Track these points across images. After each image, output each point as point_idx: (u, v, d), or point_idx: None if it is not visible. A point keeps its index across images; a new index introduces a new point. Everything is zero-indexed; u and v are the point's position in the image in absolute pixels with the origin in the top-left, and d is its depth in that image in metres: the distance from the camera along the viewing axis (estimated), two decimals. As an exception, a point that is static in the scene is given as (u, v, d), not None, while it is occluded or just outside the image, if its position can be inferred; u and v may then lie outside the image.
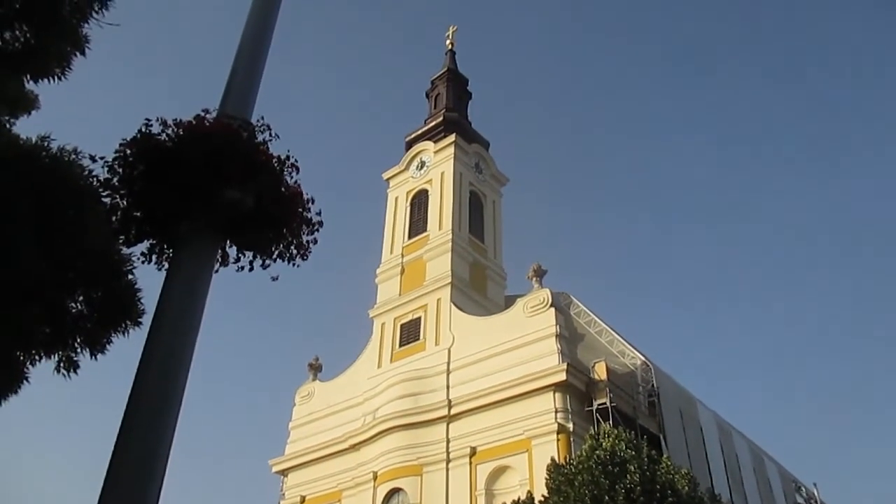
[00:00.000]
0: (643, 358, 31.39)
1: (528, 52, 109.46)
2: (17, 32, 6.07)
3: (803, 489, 41.39)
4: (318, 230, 5.35)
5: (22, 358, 6.50)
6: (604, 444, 19.71)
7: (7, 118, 6.83)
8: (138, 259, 5.22)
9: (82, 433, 76.83)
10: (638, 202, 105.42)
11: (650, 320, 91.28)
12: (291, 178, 5.11)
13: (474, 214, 37.29)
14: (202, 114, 5.00)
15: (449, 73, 44.57)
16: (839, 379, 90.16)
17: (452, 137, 38.21)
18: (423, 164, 39.17)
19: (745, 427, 44.77)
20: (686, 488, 19.28)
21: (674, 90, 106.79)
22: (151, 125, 4.91)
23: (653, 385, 29.92)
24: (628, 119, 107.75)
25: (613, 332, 33.80)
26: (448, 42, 46.88)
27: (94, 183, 5.73)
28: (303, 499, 33.22)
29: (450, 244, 34.06)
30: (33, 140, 6.50)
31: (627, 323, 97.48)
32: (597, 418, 25.63)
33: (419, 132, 41.85)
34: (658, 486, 18.62)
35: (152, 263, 5.11)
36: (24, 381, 6.66)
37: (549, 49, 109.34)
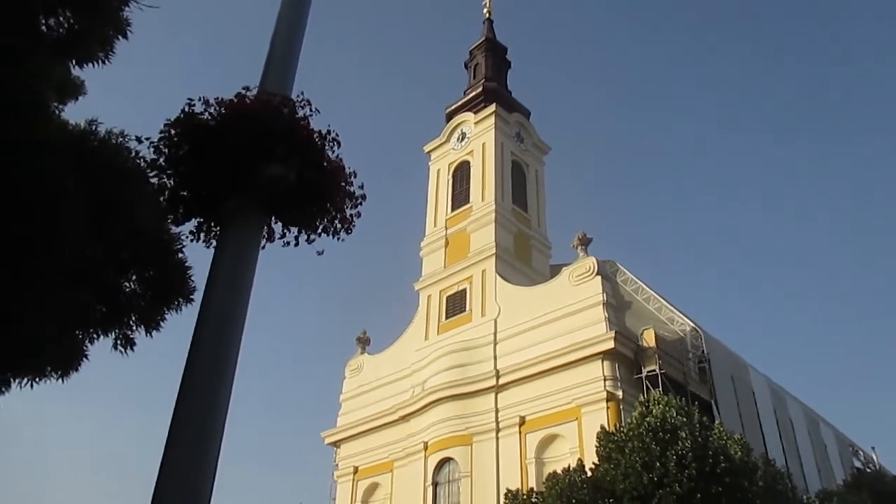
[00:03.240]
0: (692, 324, 31.03)
1: (566, 18, 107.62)
2: (61, 18, 6.18)
3: (861, 453, 40.69)
4: (361, 203, 5.35)
5: (81, 336, 6.71)
6: (654, 411, 19.63)
7: (56, 104, 6.96)
8: (187, 237, 5.30)
9: (137, 408, 79.34)
10: (682, 167, 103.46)
11: (699, 286, 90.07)
12: (333, 152, 5.11)
13: (517, 184, 37.08)
14: (243, 91, 5.02)
15: (487, 42, 44.12)
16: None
17: (492, 108, 37.91)
18: (463, 135, 38.97)
19: (800, 391, 44.05)
20: (739, 454, 19.11)
21: (722, 60, 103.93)
22: (194, 105, 4.95)
23: (703, 351, 29.62)
24: (671, 86, 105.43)
25: (661, 299, 33.43)
26: (485, 11, 46.32)
27: (142, 164, 5.83)
28: (356, 469, 33.89)
29: (493, 215, 33.98)
30: (82, 125, 6.63)
31: (675, 289, 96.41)
32: (646, 386, 25.52)
33: (459, 104, 41.64)
34: (710, 452, 18.49)
35: (201, 241, 5.19)
36: (84, 359, 6.88)
37: (589, 14, 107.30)
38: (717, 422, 21.37)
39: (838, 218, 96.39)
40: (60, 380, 6.89)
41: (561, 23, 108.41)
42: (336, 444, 35.51)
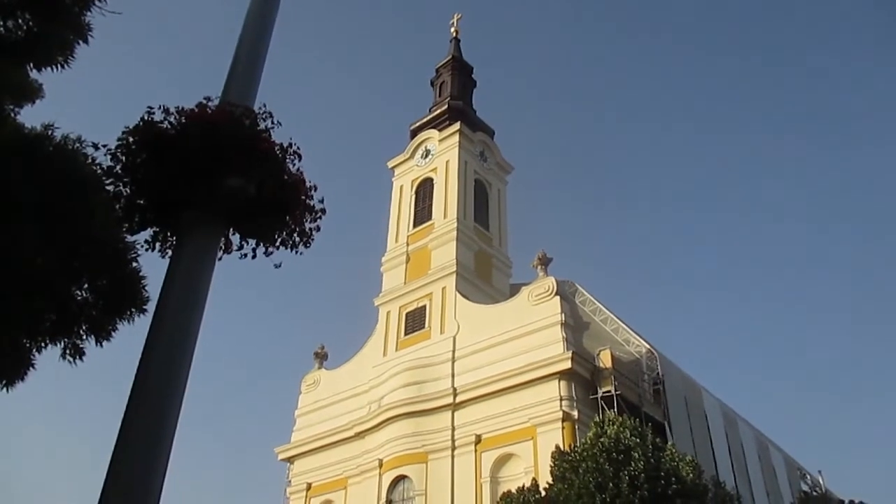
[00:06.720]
0: (648, 346, 31.41)
1: (532, 40, 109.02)
2: (20, 21, 6.09)
3: (808, 476, 41.45)
4: (320, 217, 5.33)
5: (28, 345, 6.55)
6: (608, 431, 19.76)
7: (11, 107, 6.84)
8: (142, 247, 5.23)
9: (86, 420, 77.34)
10: (642, 191, 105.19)
11: (655, 308, 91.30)
12: (294, 165, 5.10)
13: (479, 203, 37.25)
14: (204, 101, 4.99)
15: (453, 61, 44.40)
16: (846, 367, 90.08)
17: (457, 126, 38.11)
18: (427, 152, 39.09)
19: (750, 415, 44.80)
20: (690, 475, 19.32)
21: (678, 81, 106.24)
22: (154, 113, 4.91)
23: (658, 373, 29.95)
24: (633, 108, 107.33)
25: (618, 320, 33.80)
26: (452, 30, 46.68)
27: (98, 171, 5.75)
28: (309, 486, 33.44)
29: (455, 232, 34.07)
30: (37, 129, 6.51)
31: (632, 311, 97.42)
32: (602, 406, 25.70)
33: (424, 120, 41.77)
34: (662, 474, 18.67)
35: (156, 251, 5.12)
36: (31, 368, 6.72)
37: (554, 36, 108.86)
38: (669, 443, 21.59)
39: (795, 245, 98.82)
40: (5, 389, 6.71)
41: (528, 43, 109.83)
42: (290, 459, 35.00)
